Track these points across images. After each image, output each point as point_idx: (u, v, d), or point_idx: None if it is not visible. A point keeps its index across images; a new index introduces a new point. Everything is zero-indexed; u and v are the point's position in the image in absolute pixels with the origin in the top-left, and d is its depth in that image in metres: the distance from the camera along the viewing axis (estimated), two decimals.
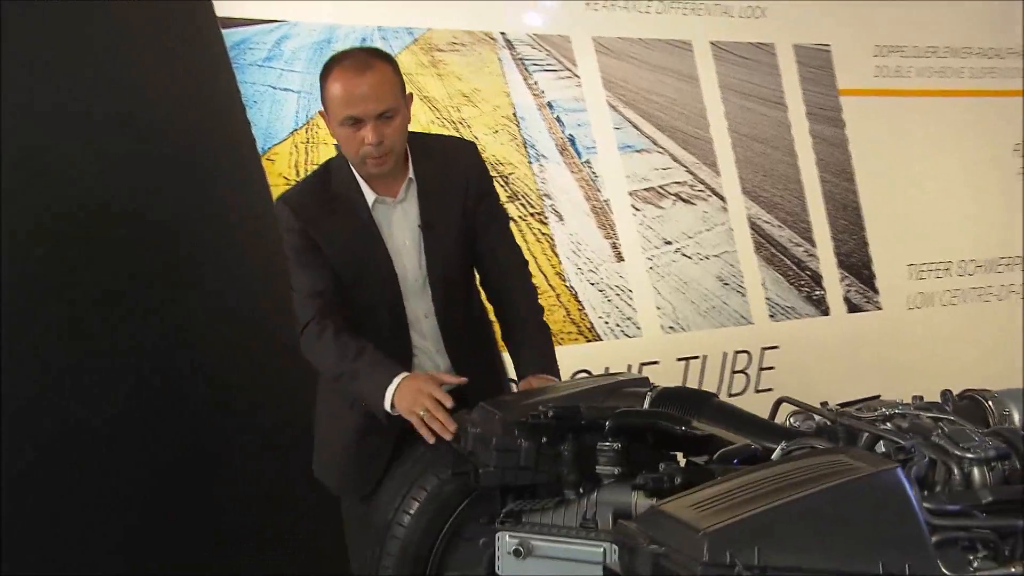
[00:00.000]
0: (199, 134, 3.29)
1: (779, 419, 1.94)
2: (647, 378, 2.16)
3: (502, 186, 3.76)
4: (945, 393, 1.95)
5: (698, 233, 4.10)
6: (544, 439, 1.88)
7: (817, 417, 1.80)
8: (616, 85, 4.01)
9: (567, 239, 3.85)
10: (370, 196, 2.43)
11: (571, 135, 3.90)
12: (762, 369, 4.19)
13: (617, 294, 3.93)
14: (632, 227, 3.98)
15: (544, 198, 3.83)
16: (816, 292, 4.30)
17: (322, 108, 2.39)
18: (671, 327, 4.00)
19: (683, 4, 4.11)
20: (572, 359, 3.81)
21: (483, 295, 2.64)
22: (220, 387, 3.24)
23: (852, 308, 4.38)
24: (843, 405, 1.89)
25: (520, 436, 1.89)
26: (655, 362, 3.96)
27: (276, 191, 3.38)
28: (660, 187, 4.05)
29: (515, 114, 3.81)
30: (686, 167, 4.10)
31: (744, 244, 4.18)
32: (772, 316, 4.20)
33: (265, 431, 3.28)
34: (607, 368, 3.85)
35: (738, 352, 4.13)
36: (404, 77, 3.59)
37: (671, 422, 1.82)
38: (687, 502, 1.40)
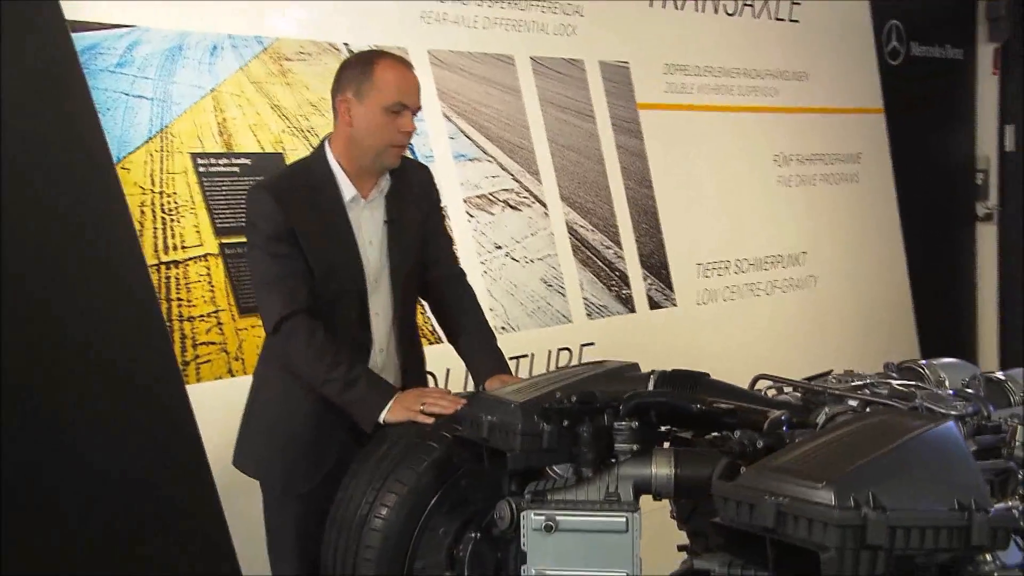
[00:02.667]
0: (49, 141, 3.13)
1: None
2: (637, 364, 2.38)
3: None
4: (888, 364, 2.30)
5: (525, 238, 4.34)
6: (565, 423, 2.06)
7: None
8: (449, 96, 4.17)
9: None
10: (348, 192, 2.59)
11: (410, 144, 4.01)
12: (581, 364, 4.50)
13: None
14: (467, 233, 4.15)
15: None
16: (624, 291, 4.67)
17: (348, 94, 2.56)
18: (503, 327, 4.22)
19: (505, 20, 4.33)
20: None
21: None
22: (81, 391, 3.12)
23: (654, 305, 4.79)
24: (808, 379, 2.20)
25: (541, 421, 2.05)
26: None
27: (132, 200, 3.29)
28: (491, 194, 4.26)
29: None
30: (512, 175, 4.33)
31: (563, 248, 4.47)
32: (589, 315, 4.52)
33: (116, 439, 3.21)
34: (448, 369, 4.02)
35: (560, 349, 4.42)
36: (255, 86, 3.61)
37: (687, 401, 2.06)
38: (786, 461, 1.62)
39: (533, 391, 2.18)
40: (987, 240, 6.94)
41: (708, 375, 2.21)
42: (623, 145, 4.74)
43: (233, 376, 3.45)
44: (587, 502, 1.96)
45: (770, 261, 5.40)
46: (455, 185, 4.13)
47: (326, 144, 2.66)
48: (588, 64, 4.64)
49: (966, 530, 1.52)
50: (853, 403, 1.96)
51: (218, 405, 3.42)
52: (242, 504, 3.44)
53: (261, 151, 3.61)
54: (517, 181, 4.34)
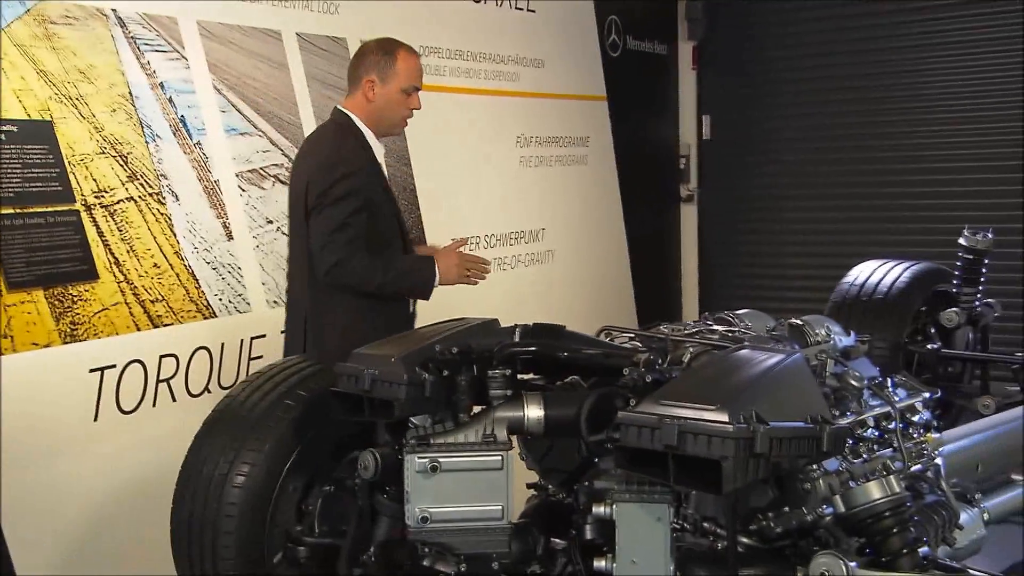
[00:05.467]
0: None
1: None
2: (497, 319, 2.54)
3: (121, 166, 3.71)
4: (705, 315, 2.60)
5: None
6: (444, 373, 2.21)
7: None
8: (220, 69, 4.12)
9: (183, 219, 3.91)
10: (379, 150, 3.35)
11: (183, 116, 3.95)
12: None
13: (229, 272, 4.07)
14: (240, 207, 4.14)
15: (161, 178, 3.84)
16: None
17: (373, 76, 3.29)
18: (275, 302, 4.24)
19: None
20: (192, 337, 3.90)
21: None
22: None
23: None
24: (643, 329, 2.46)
25: (423, 372, 2.19)
26: (263, 336, 4.19)
27: None
28: (262, 169, 4.26)
29: (130, 93, 3.77)
30: (282, 150, 4.35)
31: None
32: None
33: None
34: (223, 344, 4.01)
35: None
36: (18, 49, 3.48)
37: (556, 350, 2.26)
38: (675, 391, 1.86)
39: (408, 345, 2.31)
40: (689, 219, 7.70)
41: (565, 327, 2.43)
42: None
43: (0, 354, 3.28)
44: (466, 444, 2.13)
45: (514, 237, 5.73)
46: (227, 159, 4.10)
47: (349, 114, 3.34)
48: (351, 42, 4.72)
49: (818, 439, 1.85)
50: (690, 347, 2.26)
51: None
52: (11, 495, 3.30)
53: (28, 118, 3.43)
54: (287, 156, 4.36)
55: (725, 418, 1.76)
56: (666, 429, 1.78)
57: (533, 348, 2.30)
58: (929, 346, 4.43)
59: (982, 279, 4.63)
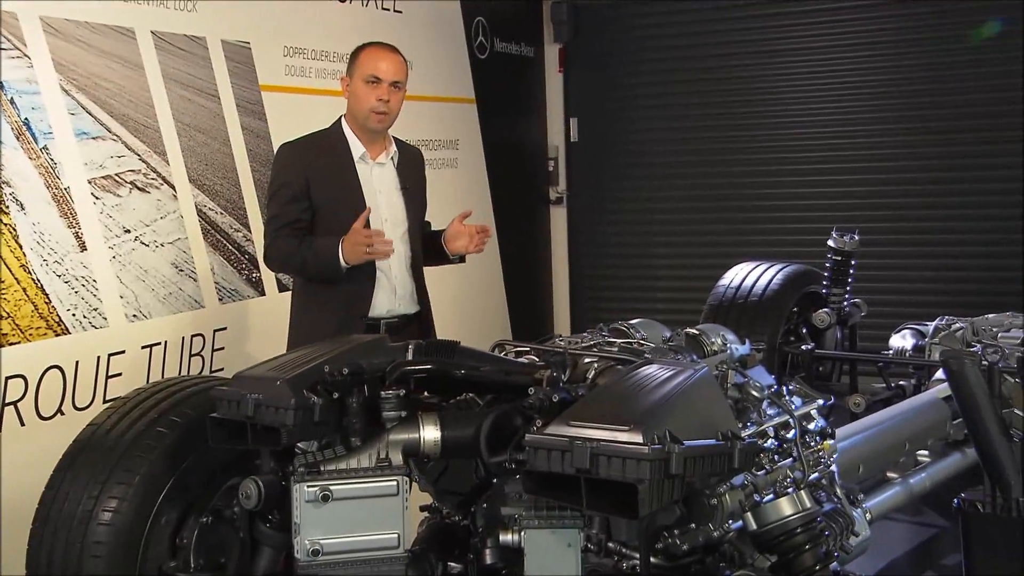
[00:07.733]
0: None
1: None
2: (386, 336, 2.39)
3: None
4: (600, 326, 2.51)
5: (154, 221, 4.12)
6: (335, 395, 2.05)
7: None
8: (68, 69, 3.84)
9: (30, 229, 3.62)
10: (357, 151, 3.38)
11: (27, 119, 3.66)
12: (215, 350, 4.37)
13: (83, 285, 3.80)
14: (93, 216, 3.87)
15: (4, 186, 3.55)
16: (255, 274, 4.59)
17: (346, 76, 3.38)
18: (135, 315, 3.99)
19: None
20: (42, 356, 3.62)
21: None
22: None
23: (283, 287, 4.75)
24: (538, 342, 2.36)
25: (311, 395, 2.03)
26: (122, 352, 3.93)
27: None
28: (117, 175, 3.99)
29: None
30: (139, 155, 4.09)
31: (193, 231, 4.30)
32: (221, 299, 4.40)
33: None
34: (77, 362, 3.74)
35: (194, 336, 4.26)
36: None
37: (453, 368, 2.13)
38: (585, 411, 1.75)
39: (294, 368, 2.15)
40: (558, 221, 7.67)
41: (459, 343, 2.31)
42: (248, 127, 4.65)
43: None
44: (359, 470, 1.99)
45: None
46: (78, 164, 3.82)
47: (342, 118, 3.43)
48: (210, 41, 4.49)
49: (730, 456, 1.78)
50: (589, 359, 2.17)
51: None
52: None
53: None
54: (144, 162, 4.10)
55: (639, 439, 1.69)
56: (578, 452, 1.70)
57: (429, 367, 2.18)
58: (803, 347, 4.50)
59: (850, 279, 4.73)
